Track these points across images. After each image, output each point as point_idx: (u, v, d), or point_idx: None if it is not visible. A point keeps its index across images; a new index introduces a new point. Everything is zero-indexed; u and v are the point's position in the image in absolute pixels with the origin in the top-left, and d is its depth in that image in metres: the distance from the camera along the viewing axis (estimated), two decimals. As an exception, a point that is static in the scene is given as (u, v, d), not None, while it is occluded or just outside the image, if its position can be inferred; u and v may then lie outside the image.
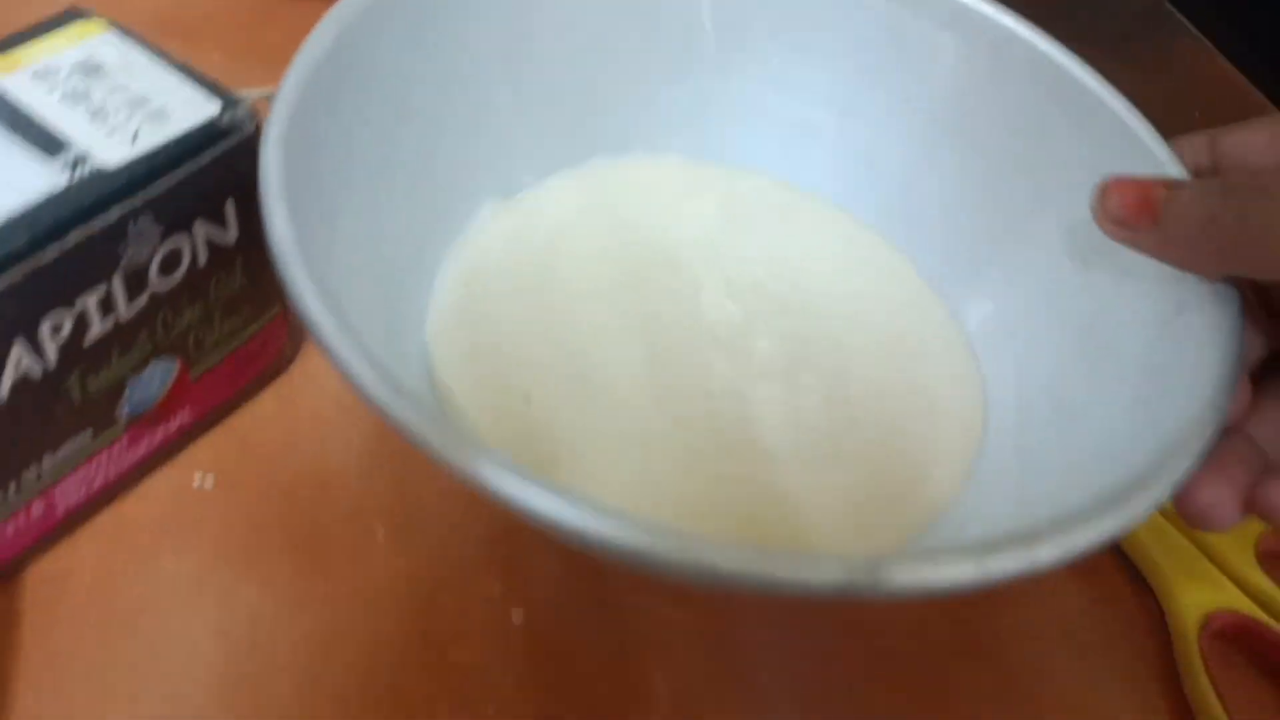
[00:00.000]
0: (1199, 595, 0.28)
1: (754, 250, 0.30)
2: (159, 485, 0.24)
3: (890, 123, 0.30)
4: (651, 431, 0.26)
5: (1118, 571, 0.29)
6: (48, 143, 0.19)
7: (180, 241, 0.20)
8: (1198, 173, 0.24)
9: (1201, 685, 0.26)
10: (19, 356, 0.18)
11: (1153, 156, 0.24)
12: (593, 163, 0.31)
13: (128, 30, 0.21)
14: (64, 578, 0.22)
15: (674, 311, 0.28)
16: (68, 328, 0.19)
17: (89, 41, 0.20)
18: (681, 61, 0.30)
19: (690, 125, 0.31)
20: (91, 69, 0.20)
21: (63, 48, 0.20)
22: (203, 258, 0.20)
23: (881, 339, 0.29)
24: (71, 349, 0.19)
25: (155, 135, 0.19)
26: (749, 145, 0.31)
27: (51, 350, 0.19)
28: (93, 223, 0.18)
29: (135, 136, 0.19)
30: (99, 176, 0.18)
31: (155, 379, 0.21)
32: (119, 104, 0.19)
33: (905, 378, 0.28)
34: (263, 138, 0.18)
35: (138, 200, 0.19)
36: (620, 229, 0.30)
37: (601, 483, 0.24)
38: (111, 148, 0.19)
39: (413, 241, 0.26)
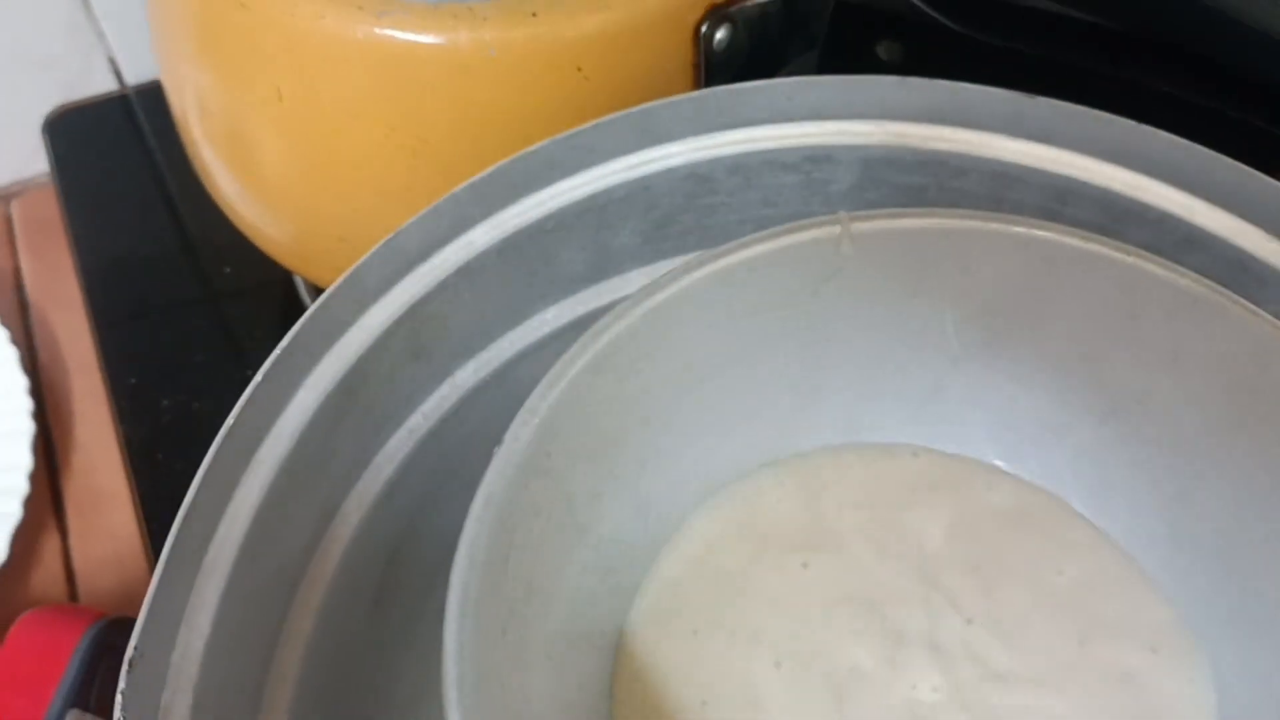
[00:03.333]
0: None
1: (976, 590, 0.29)
2: None
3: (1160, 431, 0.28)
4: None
5: None
6: None
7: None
8: None
9: None
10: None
11: None
12: (812, 454, 0.31)
13: None
14: None
15: (871, 675, 0.28)
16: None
17: None
18: (917, 351, 0.30)
19: (921, 416, 0.31)
20: None
21: None
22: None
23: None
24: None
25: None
26: (982, 439, 0.31)
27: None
28: None
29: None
30: None
31: None
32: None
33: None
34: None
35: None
36: (828, 545, 0.30)
37: None
38: None
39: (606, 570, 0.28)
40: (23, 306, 0.48)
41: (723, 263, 0.27)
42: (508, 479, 0.24)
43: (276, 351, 0.25)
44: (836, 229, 0.27)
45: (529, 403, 0.25)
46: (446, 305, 0.29)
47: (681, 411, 0.29)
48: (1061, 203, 0.30)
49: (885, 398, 0.31)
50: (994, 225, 0.27)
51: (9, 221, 0.50)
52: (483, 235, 0.28)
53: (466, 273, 0.29)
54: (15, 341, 0.45)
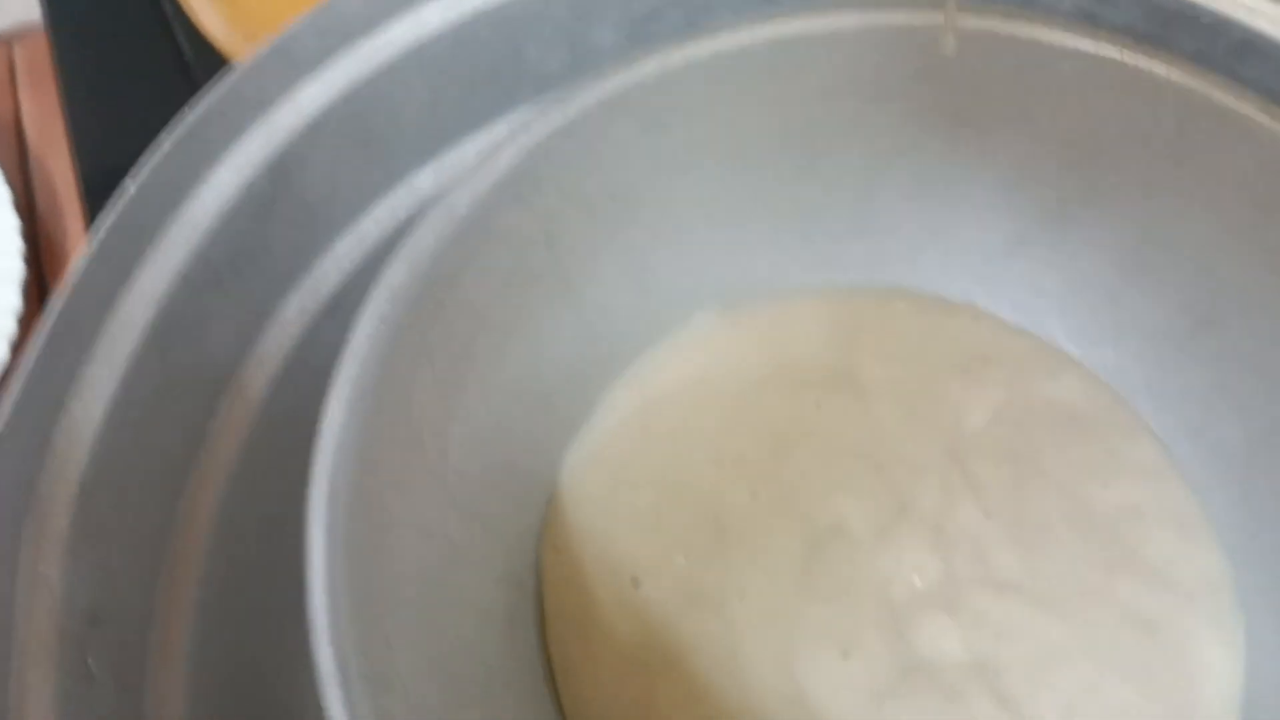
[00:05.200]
0: None
1: (1006, 484, 0.25)
2: None
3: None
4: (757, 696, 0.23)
5: None
6: None
7: None
8: None
9: None
10: None
11: None
12: (859, 289, 0.28)
13: None
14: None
15: (855, 539, 0.25)
16: None
17: None
18: (1006, 193, 0.26)
19: (993, 274, 0.27)
20: None
21: None
22: None
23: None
24: None
25: None
26: (1057, 316, 0.27)
27: None
28: None
29: None
30: None
31: None
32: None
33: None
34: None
35: None
36: (850, 391, 0.26)
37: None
38: None
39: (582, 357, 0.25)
40: (22, 151, 0.46)
41: (795, 26, 0.23)
42: (479, 195, 0.21)
43: (187, 120, 0.23)
44: (939, 17, 0.23)
45: (530, 125, 0.22)
46: (397, 91, 0.26)
47: (712, 193, 0.25)
48: (1100, 1, 0.26)
49: (957, 243, 0.27)
50: (1130, 59, 0.22)
51: (11, 65, 0.49)
52: (436, 14, 0.25)
53: (419, 57, 0.26)
54: (11, 183, 0.43)
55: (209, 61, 0.41)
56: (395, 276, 0.20)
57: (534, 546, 0.25)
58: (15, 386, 0.20)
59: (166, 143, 0.23)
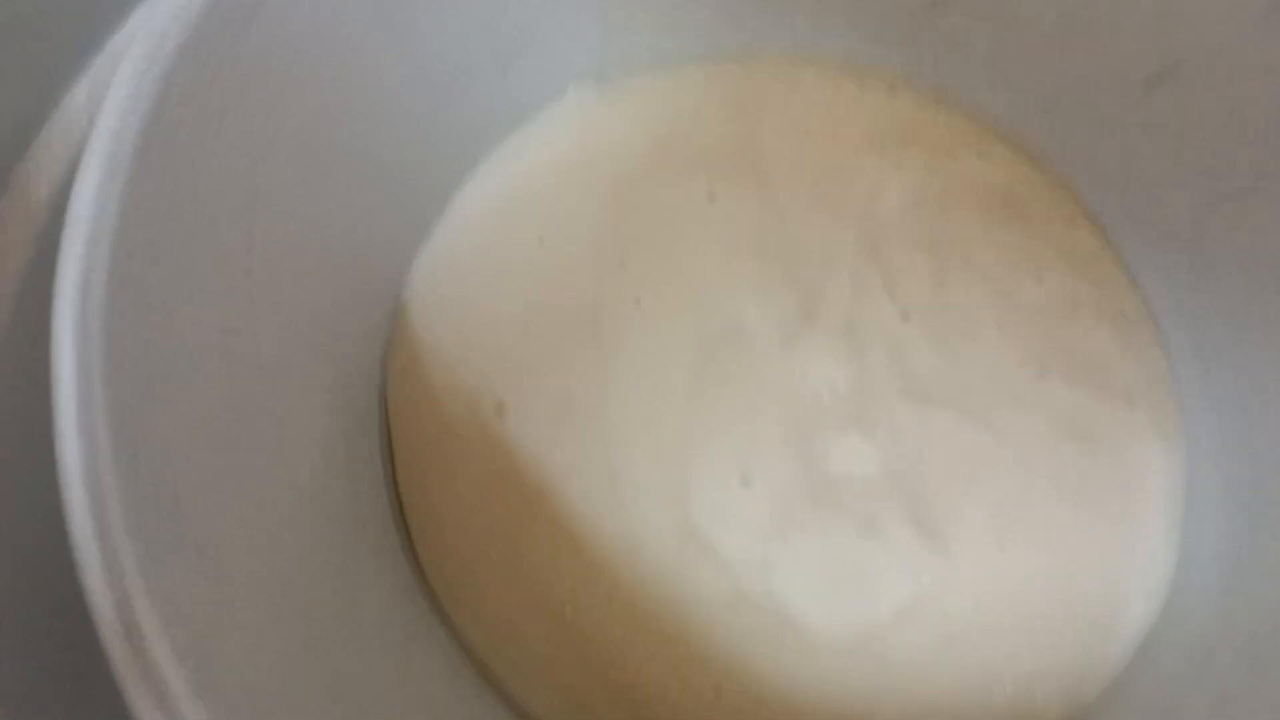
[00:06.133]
0: None
1: (926, 277, 0.23)
2: None
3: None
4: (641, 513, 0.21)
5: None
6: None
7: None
8: None
9: None
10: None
11: None
12: (760, 61, 0.24)
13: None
14: None
15: (755, 345, 0.22)
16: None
17: None
18: None
19: (913, 36, 0.23)
20: None
21: None
22: None
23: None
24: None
25: None
26: (989, 86, 0.24)
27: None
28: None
29: None
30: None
31: None
32: None
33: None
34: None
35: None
36: (748, 177, 0.23)
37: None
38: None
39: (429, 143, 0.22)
40: None
41: None
42: None
43: None
44: None
45: None
46: None
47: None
48: None
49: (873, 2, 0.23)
50: None
51: None
52: None
53: None
54: None
55: None
56: (164, 17, 0.16)
57: (378, 371, 0.21)
58: None
59: None
